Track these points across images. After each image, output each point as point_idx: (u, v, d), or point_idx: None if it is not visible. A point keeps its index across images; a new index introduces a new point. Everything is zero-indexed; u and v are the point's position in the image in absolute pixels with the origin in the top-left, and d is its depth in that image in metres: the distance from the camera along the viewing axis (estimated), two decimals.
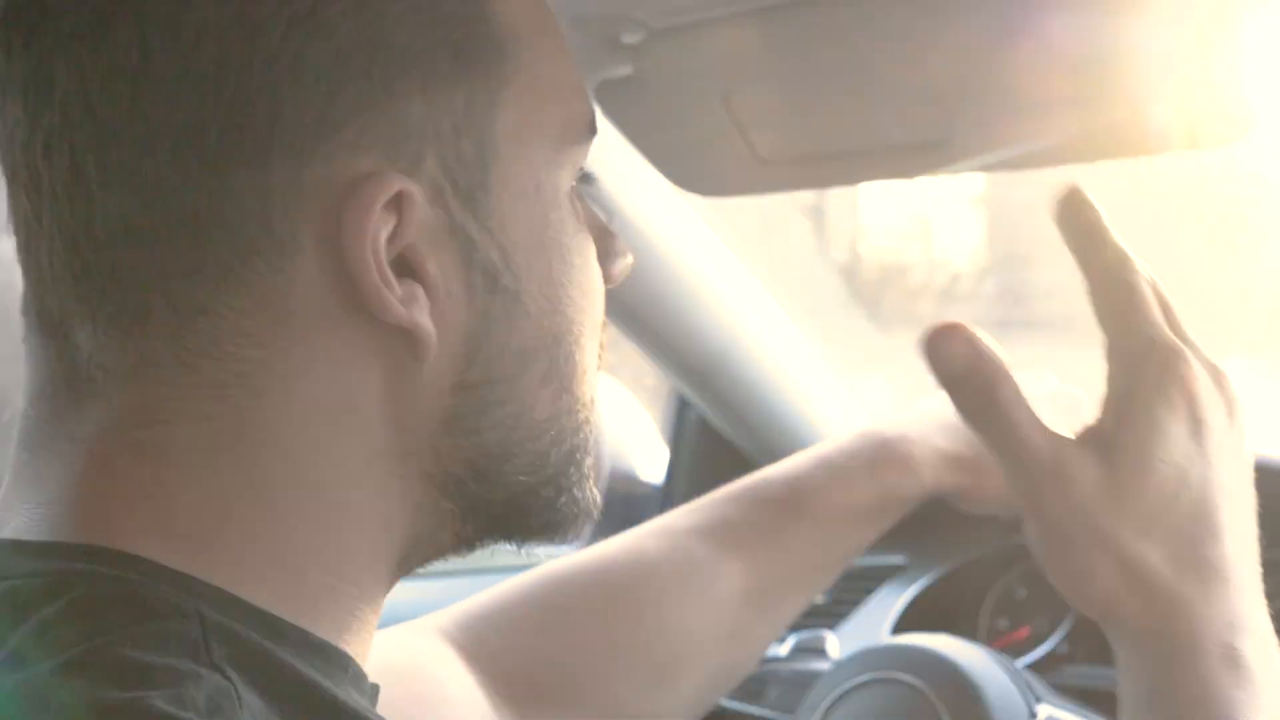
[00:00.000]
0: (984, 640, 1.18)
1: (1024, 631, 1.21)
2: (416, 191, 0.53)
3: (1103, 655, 1.16)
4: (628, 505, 1.45)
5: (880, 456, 0.94)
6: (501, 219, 0.55)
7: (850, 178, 1.03)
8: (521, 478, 0.58)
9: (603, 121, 1.07)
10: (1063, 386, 0.99)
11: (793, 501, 0.93)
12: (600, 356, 0.62)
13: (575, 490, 0.60)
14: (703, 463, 1.46)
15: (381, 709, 0.56)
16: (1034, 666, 1.14)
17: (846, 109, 0.92)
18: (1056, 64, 0.83)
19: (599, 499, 0.62)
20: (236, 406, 0.52)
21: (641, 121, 0.98)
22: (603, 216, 0.64)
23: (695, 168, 1.01)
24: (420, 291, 0.53)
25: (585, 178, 0.61)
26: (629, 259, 0.64)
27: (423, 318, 0.53)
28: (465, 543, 0.60)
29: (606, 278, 0.62)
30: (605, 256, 0.62)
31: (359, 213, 0.51)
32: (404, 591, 0.61)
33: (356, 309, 0.52)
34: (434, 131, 0.53)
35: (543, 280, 0.57)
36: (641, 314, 1.24)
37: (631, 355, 1.35)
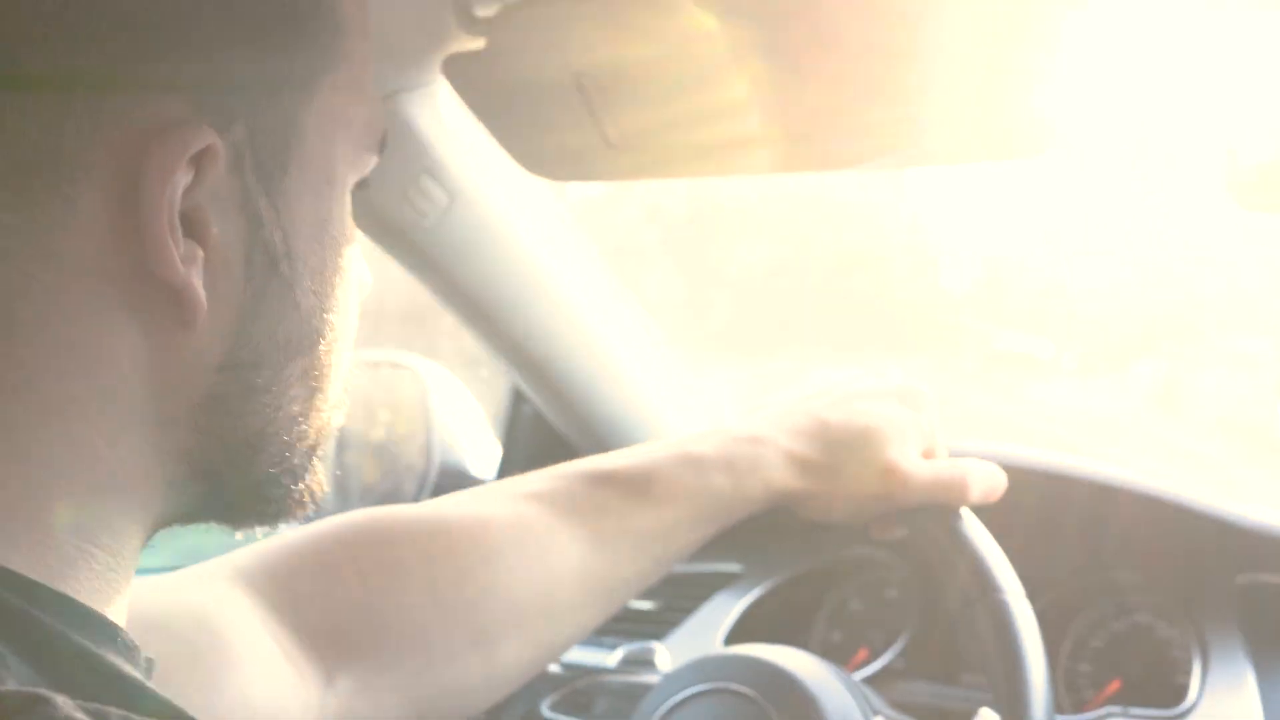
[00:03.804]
0: (817, 652, 1.16)
1: (861, 651, 1.19)
2: (222, 152, 0.51)
3: (938, 672, 1.15)
4: None
5: (734, 453, 0.91)
6: (290, 203, 0.55)
7: (702, 170, 0.99)
8: (270, 469, 0.58)
9: (450, 96, 1.03)
10: (906, 381, 0.98)
11: (642, 486, 0.90)
12: (350, 364, 0.62)
13: (309, 478, 0.61)
14: (537, 460, 1.40)
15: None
16: (869, 680, 1.12)
17: (700, 98, 0.89)
18: (917, 67, 0.81)
19: (326, 485, 0.63)
20: None
21: (490, 99, 0.94)
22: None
23: (544, 151, 0.96)
24: (199, 254, 0.52)
25: (363, 184, 0.61)
26: (368, 284, 0.64)
27: (196, 280, 0.52)
28: (202, 522, 0.60)
29: None
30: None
31: (166, 156, 0.50)
32: None
33: (130, 256, 0.50)
34: (250, 94, 0.52)
35: (316, 275, 0.57)
36: (479, 302, 1.18)
37: (467, 345, 1.31)
